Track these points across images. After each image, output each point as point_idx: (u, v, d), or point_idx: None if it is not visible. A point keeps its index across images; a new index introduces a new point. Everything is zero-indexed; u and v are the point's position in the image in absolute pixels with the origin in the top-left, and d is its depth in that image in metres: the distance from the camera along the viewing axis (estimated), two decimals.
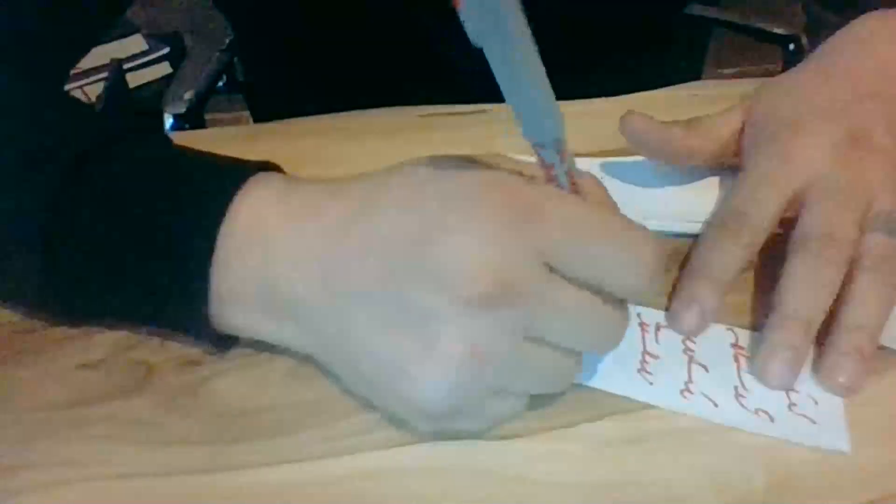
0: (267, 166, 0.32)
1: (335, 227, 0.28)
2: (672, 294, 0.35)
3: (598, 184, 0.29)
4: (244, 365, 0.33)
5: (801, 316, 0.31)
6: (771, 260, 0.35)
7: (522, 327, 0.26)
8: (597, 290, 0.26)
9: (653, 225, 0.39)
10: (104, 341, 0.34)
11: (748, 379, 0.31)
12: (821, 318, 0.31)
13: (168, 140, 0.34)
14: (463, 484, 0.28)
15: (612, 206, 0.29)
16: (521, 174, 0.27)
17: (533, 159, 0.27)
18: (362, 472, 0.28)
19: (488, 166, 0.27)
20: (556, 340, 0.27)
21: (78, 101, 0.38)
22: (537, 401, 0.30)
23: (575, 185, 0.27)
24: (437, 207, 0.26)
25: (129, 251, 0.30)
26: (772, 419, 0.29)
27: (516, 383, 0.28)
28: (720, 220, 0.36)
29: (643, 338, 0.33)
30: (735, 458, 0.29)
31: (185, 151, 0.32)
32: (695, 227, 0.38)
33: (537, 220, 0.26)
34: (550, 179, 0.27)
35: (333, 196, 0.29)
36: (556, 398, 0.31)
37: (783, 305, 0.32)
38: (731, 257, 0.34)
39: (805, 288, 0.32)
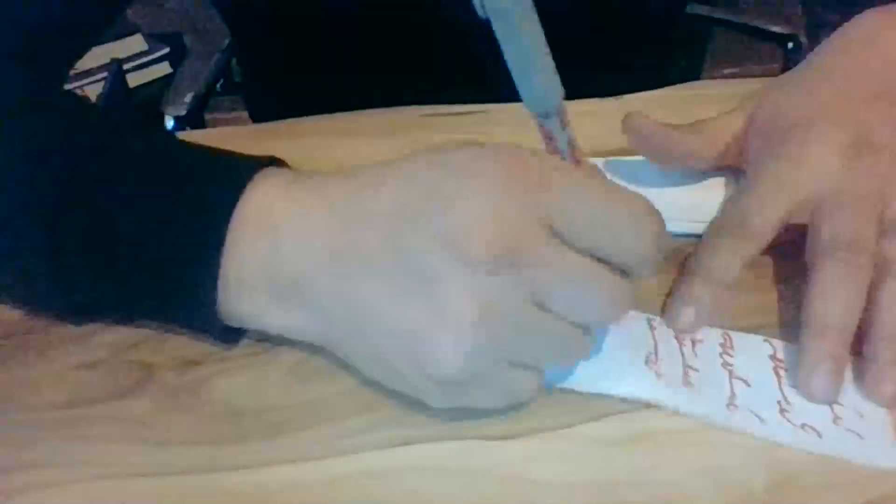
0: (274, 161, 0.32)
1: (341, 205, 0.29)
2: (670, 293, 0.35)
3: (599, 171, 0.30)
4: (244, 365, 0.33)
5: (836, 325, 0.31)
6: (773, 261, 0.35)
7: (528, 291, 0.26)
8: (601, 259, 0.27)
9: None
10: (104, 341, 0.34)
11: (791, 393, 0.31)
12: (854, 325, 0.31)
13: (172, 135, 0.34)
14: (463, 484, 0.28)
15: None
16: (524, 148, 0.28)
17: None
18: (362, 472, 0.28)
19: (494, 143, 0.28)
20: (561, 307, 0.27)
21: (81, 97, 0.38)
22: (537, 400, 0.30)
23: (577, 155, 0.28)
24: (441, 178, 0.27)
25: (138, 243, 0.30)
26: (819, 435, 0.29)
27: (528, 350, 0.28)
28: (723, 222, 0.36)
29: (681, 351, 0.32)
30: (735, 458, 0.29)
31: (192, 145, 0.33)
32: (697, 228, 0.37)
33: (541, 187, 0.26)
34: (554, 151, 0.28)
35: (339, 180, 0.30)
36: (555, 398, 0.31)
37: (818, 316, 0.31)
38: (732, 259, 0.34)
39: (838, 297, 0.31)
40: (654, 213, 0.27)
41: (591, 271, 0.27)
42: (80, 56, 0.46)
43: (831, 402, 0.30)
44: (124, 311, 0.34)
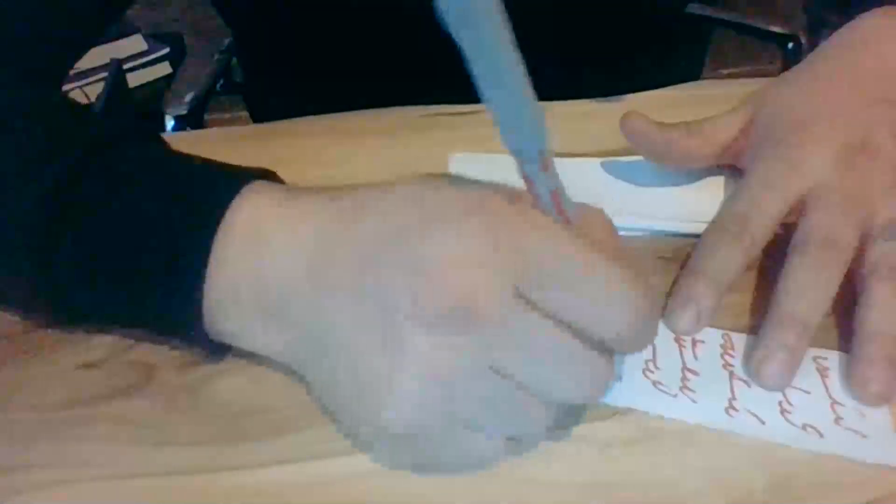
0: (265, 174, 0.32)
1: (325, 229, 0.28)
2: (670, 293, 0.35)
3: (605, 219, 0.28)
4: (244, 365, 0.33)
5: (797, 317, 0.31)
6: (771, 261, 0.35)
7: (486, 355, 0.25)
8: (576, 332, 0.25)
9: (653, 225, 0.39)
10: (104, 341, 0.34)
11: (792, 393, 0.31)
12: (818, 320, 0.31)
13: (165, 144, 0.34)
14: (463, 484, 0.28)
15: (613, 244, 0.28)
16: (510, 195, 0.26)
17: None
18: (362, 472, 0.28)
19: (479, 185, 0.27)
20: (525, 380, 0.25)
21: (75, 103, 0.38)
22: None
23: (561, 205, 0.26)
24: (418, 221, 0.26)
25: (125, 255, 0.30)
26: (821, 435, 0.29)
27: (483, 419, 0.26)
28: (721, 222, 0.36)
29: (681, 353, 0.32)
30: (735, 458, 0.29)
31: (182, 156, 0.32)
32: (695, 227, 0.37)
33: (514, 245, 0.25)
34: (535, 197, 0.25)
35: (327, 203, 0.29)
36: None
37: (780, 307, 0.31)
38: (731, 260, 0.34)
39: (802, 290, 0.32)
40: (641, 287, 0.25)
41: (560, 344, 0.25)
42: (76, 59, 0.46)
43: (781, 390, 0.31)
44: (114, 321, 0.34)
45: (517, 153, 0.24)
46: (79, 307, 0.32)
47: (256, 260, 0.29)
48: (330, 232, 0.28)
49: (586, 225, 0.27)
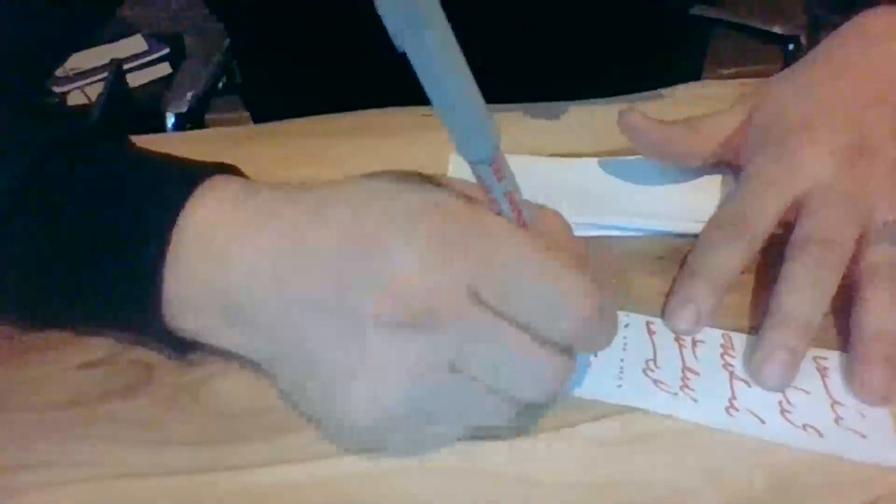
0: (225, 168, 0.31)
1: (287, 231, 0.28)
2: (670, 293, 0.35)
3: (561, 220, 0.29)
4: (244, 365, 0.32)
5: (797, 317, 0.31)
6: (771, 261, 0.35)
7: (445, 355, 0.25)
8: (528, 330, 0.25)
9: (652, 225, 0.39)
10: (104, 341, 0.34)
11: (792, 393, 0.31)
12: (818, 320, 0.31)
13: (126, 142, 0.33)
14: (462, 484, 0.28)
15: (568, 245, 0.28)
16: (466, 197, 0.27)
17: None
18: (361, 472, 0.28)
19: (437, 187, 0.27)
20: (483, 377, 0.26)
21: (41, 105, 0.38)
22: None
23: (517, 208, 0.26)
24: (377, 225, 0.26)
25: (83, 256, 0.29)
26: (821, 434, 0.29)
27: (445, 413, 0.27)
28: (720, 222, 0.36)
29: (681, 353, 0.32)
30: (735, 458, 0.29)
31: (141, 153, 0.32)
32: (695, 227, 0.38)
33: (469, 248, 0.25)
34: (491, 201, 0.26)
35: (287, 202, 0.29)
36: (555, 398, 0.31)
37: (780, 307, 0.32)
38: (730, 259, 0.34)
39: (802, 290, 0.32)
40: (590, 293, 0.25)
41: (512, 343, 0.25)
42: (55, 65, 0.45)
43: (782, 390, 0.31)
44: (76, 323, 0.33)
45: (469, 159, 0.24)
46: (39, 310, 0.32)
47: (213, 264, 0.28)
48: (293, 237, 0.28)
49: (542, 226, 0.27)
